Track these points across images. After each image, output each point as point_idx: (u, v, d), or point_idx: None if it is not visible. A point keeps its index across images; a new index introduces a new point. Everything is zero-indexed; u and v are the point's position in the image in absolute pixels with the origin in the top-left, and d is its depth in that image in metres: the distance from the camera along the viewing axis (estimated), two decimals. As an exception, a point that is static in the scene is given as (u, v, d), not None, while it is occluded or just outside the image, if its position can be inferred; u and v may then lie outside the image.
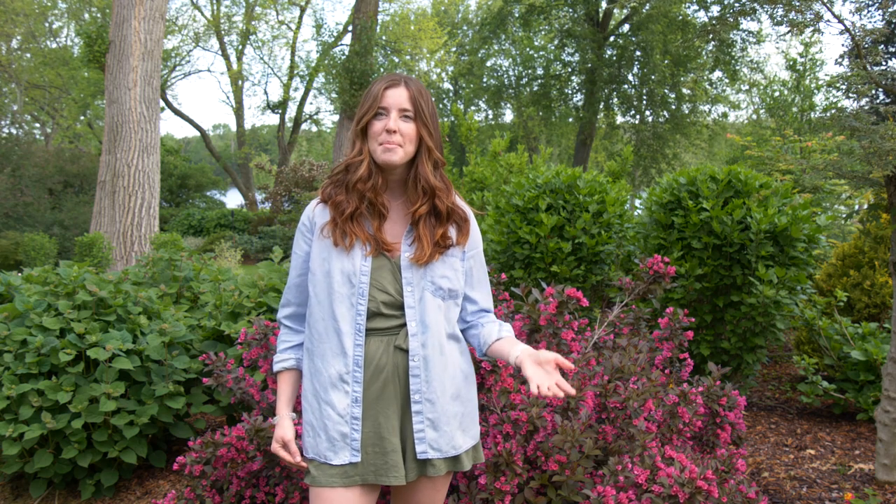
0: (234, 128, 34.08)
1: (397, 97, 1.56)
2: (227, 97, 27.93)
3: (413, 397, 1.59)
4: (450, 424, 1.63)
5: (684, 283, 3.87)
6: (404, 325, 1.60)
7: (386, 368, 1.59)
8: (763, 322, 3.78)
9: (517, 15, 20.69)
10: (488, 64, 25.38)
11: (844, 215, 7.47)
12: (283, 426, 1.66)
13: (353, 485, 1.58)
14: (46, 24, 22.87)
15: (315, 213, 1.65)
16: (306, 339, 1.67)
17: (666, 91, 19.73)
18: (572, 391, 1.46)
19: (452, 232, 1.66)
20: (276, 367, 1.73)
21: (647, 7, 18.16)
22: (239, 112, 25.87)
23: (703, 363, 3.90)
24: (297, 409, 2.31)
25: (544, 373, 1.50)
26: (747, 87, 21.80)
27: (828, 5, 3.63)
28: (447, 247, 1.63)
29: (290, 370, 1.72)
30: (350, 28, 19.39)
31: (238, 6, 24.24)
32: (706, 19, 18.23)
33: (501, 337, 1.67)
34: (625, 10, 18.92)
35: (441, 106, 26.71)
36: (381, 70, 18.71)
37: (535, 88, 22.02)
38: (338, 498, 1.57)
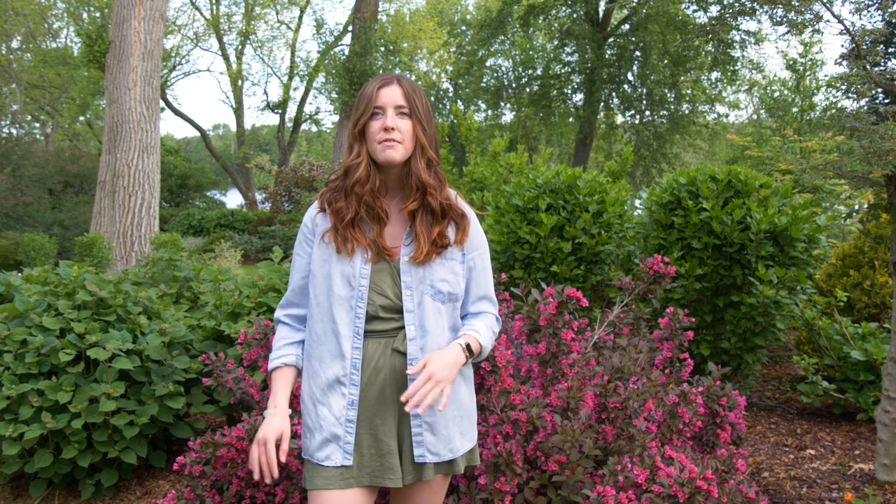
0: (234, 128, 34.12)
1: (391, 95, 1.56)
2: (227, 97, 27.97)
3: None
4: (448, 428, 1.62)
5: (684, 283, 3.87)
6: (402, 327, 1.59)
7: (384, 370, 1.58)
8: (763, 322, 3.78)
9: (516, 17, 20.68)
10: (488, 64, 25.37)
11: (844, 215, 7.46)
12: (284, 418, 1.56)
13: (350, 487, 1.57)
14: (46, 25, 22.87)
15: (316, 219, 1.65)
16: (306, 341, 1.66)
17: (665, 91, 19.73)
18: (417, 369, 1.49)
19: (451, 231, 1.64)
20: (273, 363, 1.65)
21: (646, 7, 18.16)
22: (239, 112, 25.88)
23: (703, 363, 3.90)
24: (296, 409, 2.31)
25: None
26: (747, 88, 21.80)
27: (827, 5, 3.63)
28: (445, 246, 1.62)
29: (289, 366, 1.66)
30: (350, 28, 19.39)
31: (238, 6, 24.27)
32: (706, 19, 18.22)
33: (458, 337, 1.65)
34: (624, 10, 18.92)
35: (441, 106, 26.67)
36: (381, 70, 18.71)
37: (535, 88, 22.01)
38: (336, 500, 1.56)
